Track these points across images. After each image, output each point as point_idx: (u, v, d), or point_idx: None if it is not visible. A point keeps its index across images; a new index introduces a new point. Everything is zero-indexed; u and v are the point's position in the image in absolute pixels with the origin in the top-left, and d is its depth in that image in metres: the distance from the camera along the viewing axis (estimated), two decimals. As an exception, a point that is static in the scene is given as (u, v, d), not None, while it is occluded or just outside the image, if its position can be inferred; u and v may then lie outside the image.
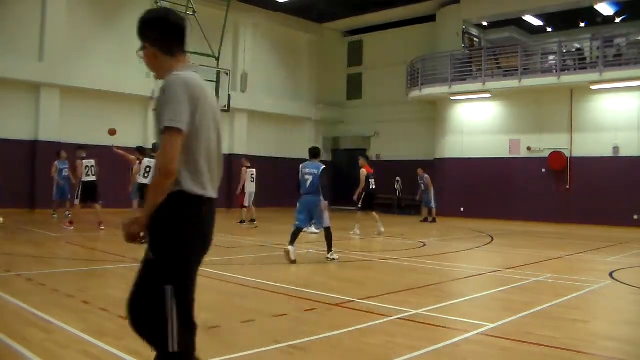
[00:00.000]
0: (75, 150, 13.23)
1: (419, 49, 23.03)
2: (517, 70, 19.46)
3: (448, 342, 4.41)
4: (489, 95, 20.52)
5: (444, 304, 5.96)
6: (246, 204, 15.19)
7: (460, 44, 22.42)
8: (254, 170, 15.32)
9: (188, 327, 2.57)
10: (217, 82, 17.71)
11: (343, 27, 26.82)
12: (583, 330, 5.10)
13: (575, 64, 19.22)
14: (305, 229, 9.56)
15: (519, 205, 19.71)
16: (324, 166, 9.07)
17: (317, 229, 10.62)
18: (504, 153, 20.52)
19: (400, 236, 13.83)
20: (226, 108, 18.19)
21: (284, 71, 25.41)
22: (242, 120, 23.37)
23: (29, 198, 17.29)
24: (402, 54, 24.14)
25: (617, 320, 5.74)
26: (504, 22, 23.11)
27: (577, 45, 19.74)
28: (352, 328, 4.74)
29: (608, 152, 18.36)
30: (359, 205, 13.95)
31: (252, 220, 15.16)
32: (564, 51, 19.41)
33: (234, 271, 7.75)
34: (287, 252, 8.53)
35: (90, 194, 12.56)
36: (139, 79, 18.80)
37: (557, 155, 19.27)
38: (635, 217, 17.63)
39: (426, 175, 18.52)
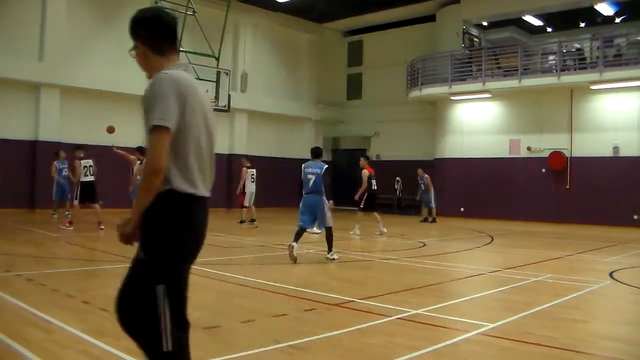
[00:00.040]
0: (73, 150, 13.21)
1: (419, 49, 23.01)
2: (517, 70, 19.45)
3: (448, 342, 4.41)
4: (489, 95, 20.52)
5: (444, 304, 5.96)
6: (246, 204, 15.19)
7: (460, 44, 22.41)
8: (254, 170, 15.33)
9: (181, 326, 2.56)
10: (217, 82, 17.73)
11: (343, 27, 26.81)
12: (583, 330, 5.10)
13: (575, 64, 19.21)
14: (308, 229, 9.56)
15: (519, 205, 19.70)
16: (327, 166, 9.07)
17: (318, 228, 10.62)
18: (504, 153, 20.51)
19: (400, 236, 13.83)
20: (226, 108, 18.20)
21: (284, 71, 25.39)
22: (242, 120, 23.36)
23: (29, 198, 17.28)
24: (402, 54, 24.13)
25: (617, 320, 5.74)
26: (504, 22, 23.10)
27: (577, 45, 19.74)
28: (352, 328, 4.74)
29: (608, 152, 18.35)
30: (361, 206, 13.97)
31: (252, 220, 15.17)
32: (564, 51, 19.40)
33: (234, 271, 7.76)
34: (292, 247, 8.55)
35: (88, 194, 12.53)
36: (139, 79, 18.41)
37: (557, 155, 19.26)
38: (635, 217, 17.63)
39: (426, 175, 18.51)
